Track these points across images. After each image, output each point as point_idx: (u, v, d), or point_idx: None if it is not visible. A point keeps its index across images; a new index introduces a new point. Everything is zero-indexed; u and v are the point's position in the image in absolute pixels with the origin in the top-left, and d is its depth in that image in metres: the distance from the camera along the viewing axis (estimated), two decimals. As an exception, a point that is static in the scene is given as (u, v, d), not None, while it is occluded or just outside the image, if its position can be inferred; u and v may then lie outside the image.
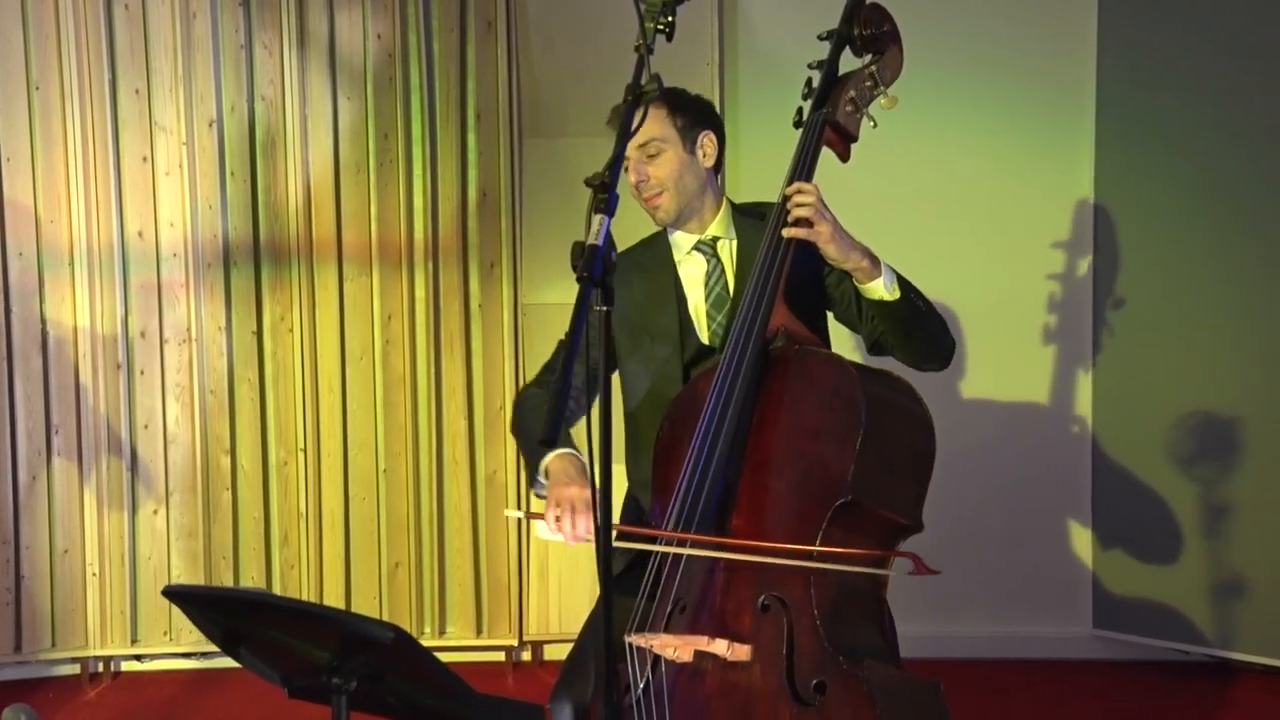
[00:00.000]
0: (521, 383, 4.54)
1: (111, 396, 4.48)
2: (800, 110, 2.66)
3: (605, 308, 1.77)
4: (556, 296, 4.57)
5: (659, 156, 2.66)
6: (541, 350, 4.51)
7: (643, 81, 1.95)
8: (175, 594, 1.96)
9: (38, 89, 4.39)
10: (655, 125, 2.64)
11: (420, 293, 4.52)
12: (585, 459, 2.58)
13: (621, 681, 2.35)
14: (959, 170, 4.46)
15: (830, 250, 2.45)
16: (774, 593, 2.26)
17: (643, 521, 2.64)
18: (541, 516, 2.47)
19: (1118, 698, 4.15)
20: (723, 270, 2.70)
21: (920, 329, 2.56)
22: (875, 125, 2.64)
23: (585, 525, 2.42)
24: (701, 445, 2.36)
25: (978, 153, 4.47)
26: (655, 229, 2.81)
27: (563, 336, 2.78)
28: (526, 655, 4.59)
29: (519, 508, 4.54)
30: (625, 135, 1.97)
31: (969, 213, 4.47)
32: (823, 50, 2.68)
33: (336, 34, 4.47)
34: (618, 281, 2.71)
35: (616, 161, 1.94)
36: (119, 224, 4.46)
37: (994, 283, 4.46)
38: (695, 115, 2.73)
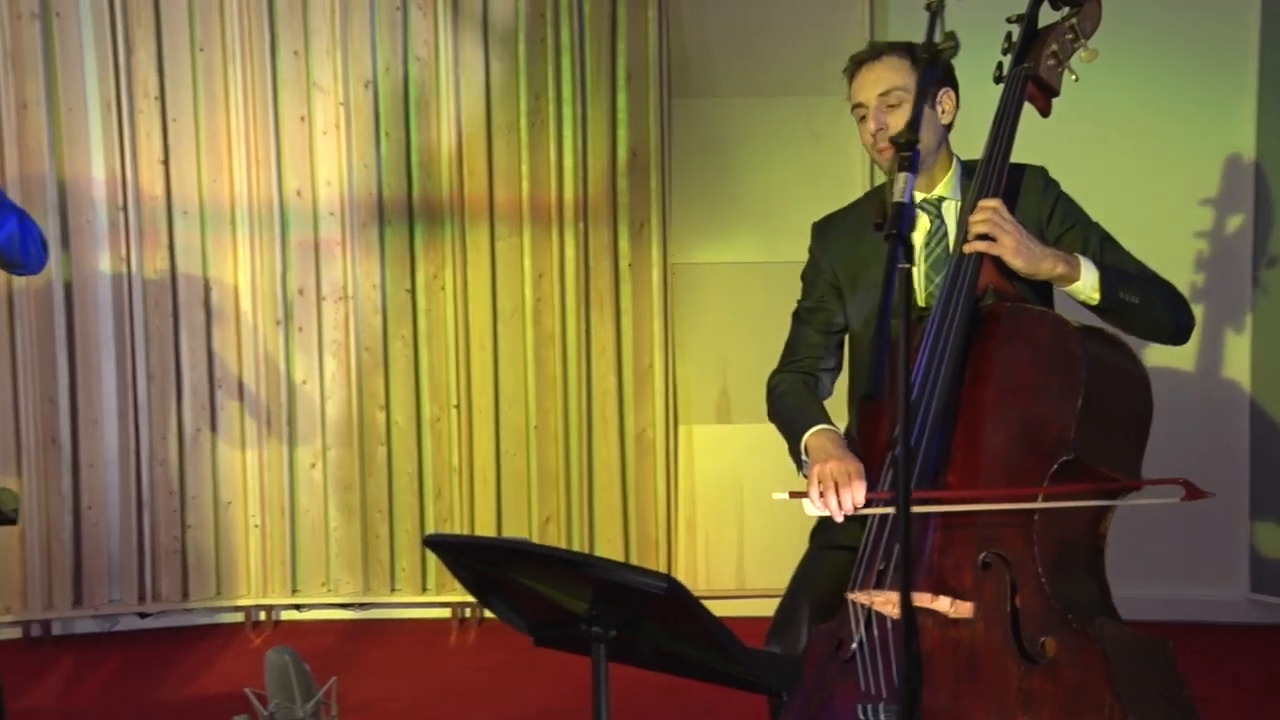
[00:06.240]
0: (671, 342, 4.57)
1: (271, 353, 4.58)
2: (1000, 65, 2.63)
3: (908, 265, 1.78)
4: (705, 256, 4.59)
5: (899, 107, 2.59)
6: (689, 310, 4.59)
7: (936, 39, 1.94)
8: (434, 543, 2.01)
9: (201, 50, 4.48)
10: (898, 75, 2.59)
11: (570, 251, 4.56)
12: (840, 431, 2.59)
13: (838, 637, 2.39)
14: (1117, 124, 4.39)
15: (1017, 263, 2.41)
16: (995, 550, 2.26)
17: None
18: (805, 495, 2.48)
19: (1275, 661, 4.12)
20: (945, 232, 2.64)
21: (1136, 322, 2.53)
22: (1077, 79, 2.61)
23: (851, 496, 2.42)
24: (914, 404, 2.34)
25: (1137, 106, 4.40)
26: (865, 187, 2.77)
27: (796, 309, 2.80)
28: (674, 610, 4.64)
29: (666, 465, 4.60)
30: (921, 96, 1.96)
31: (1126, 168, 4.39)
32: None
33: (489, -6, 4.51)
34: (842, 236, 2.74)
35: (916, 120, 1.95)
36: (278, 183, 4.54)
37: (1150, 238, 4.36)
38: (938, 70, 2.63)
